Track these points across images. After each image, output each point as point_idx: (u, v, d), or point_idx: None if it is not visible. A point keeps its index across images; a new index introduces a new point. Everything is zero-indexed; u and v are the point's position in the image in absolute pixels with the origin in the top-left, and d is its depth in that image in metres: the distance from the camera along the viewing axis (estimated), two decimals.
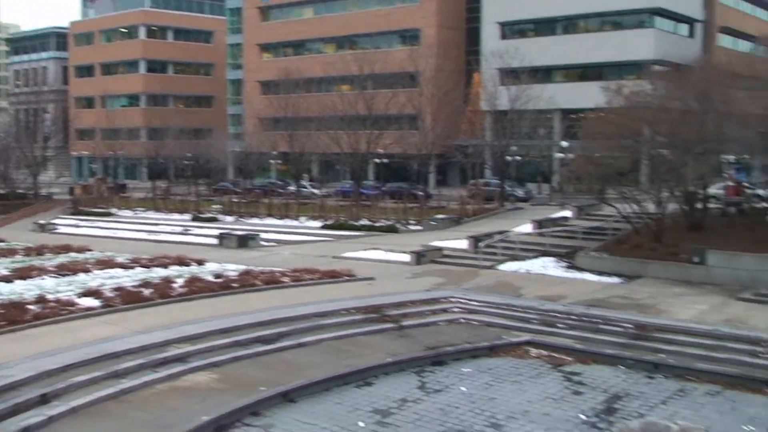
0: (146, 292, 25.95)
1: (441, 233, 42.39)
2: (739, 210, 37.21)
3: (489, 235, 37.26)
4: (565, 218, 42.13)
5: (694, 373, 20.01)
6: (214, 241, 43.03)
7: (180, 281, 28.02)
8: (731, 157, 37.48)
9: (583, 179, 39.94)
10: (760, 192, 37.21)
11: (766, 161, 37.91)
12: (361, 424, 16.61)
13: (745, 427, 16.71)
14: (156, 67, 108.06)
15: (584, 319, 24.02)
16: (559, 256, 34.46)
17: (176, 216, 58.26)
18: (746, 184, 37.30)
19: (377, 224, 47.24)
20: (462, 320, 24.96)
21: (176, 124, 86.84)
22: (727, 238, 31.98)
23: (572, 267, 32.71)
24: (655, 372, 20.41)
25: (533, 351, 22.37)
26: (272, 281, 28.73)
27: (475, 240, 36.34)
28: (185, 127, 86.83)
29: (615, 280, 30.30)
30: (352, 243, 41.48)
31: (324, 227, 48.32)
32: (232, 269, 31.52)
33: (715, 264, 29.47)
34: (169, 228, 51.35)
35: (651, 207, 34.61)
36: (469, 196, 55.63)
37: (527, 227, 40.48)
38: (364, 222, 48.13)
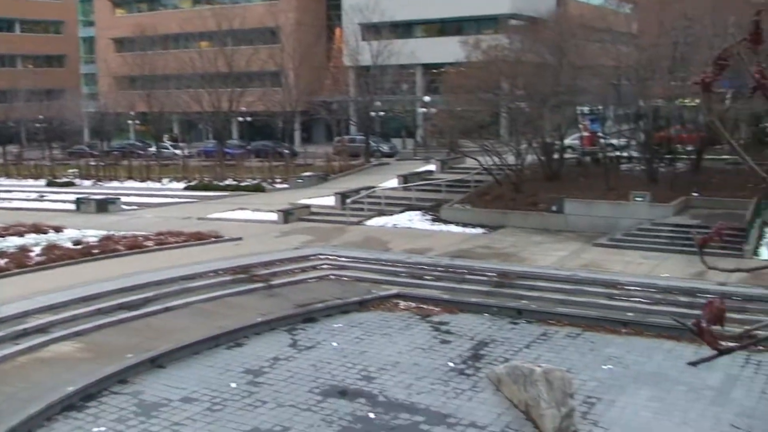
0: (2, 262, 24.88)
1: (308, 191, 42.30)
2: (594, 159, 38.62)
3: (356, 192, 37.43)
4: (430, 172, 42.72)
5: (555, 317, 20.86)
6: (72, 206, 41.49)
7: (37, 249, 27.01)
8: (586, 108, 38.78)
9: (445, 133, 40.59)
10: (614, 141, 38.69)
11: (619, 111, 39.45)
12: (233, 385, 16.50)
13: (604, 366, 17.55)
14: (1, 25, 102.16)
15: (450, 270, 24.59)
16: (424, 209, 35.03)
17: (30, 182, 56.22)
18: (600, 135, 38.68)
19: (243, 184, 46.68)
20: (331, 276, 25.08)
21: (26, 85, 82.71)
22: (583, 187, 33.31)
23: (437, 220, 33.35)
24: (519, 318, 21.16)
25: (402, 303, 22.77)
26: (135, 246, 28.00)
27: (342, 196, 36.45)
28: (36, 88, 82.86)
29: (478, 231, 31.10)
30: (218, 204, 40.86)
31: (188, 189, 47.41)
32: (92, 235, 30.51)
33: (572, 212, 30.64)
34: (23, 195, 49.26)
35: (511, 159, 35.56)
36: (335, 152, 55.62)
37: (393, 182, 40.87)
38: (230, 182, 47.48)
